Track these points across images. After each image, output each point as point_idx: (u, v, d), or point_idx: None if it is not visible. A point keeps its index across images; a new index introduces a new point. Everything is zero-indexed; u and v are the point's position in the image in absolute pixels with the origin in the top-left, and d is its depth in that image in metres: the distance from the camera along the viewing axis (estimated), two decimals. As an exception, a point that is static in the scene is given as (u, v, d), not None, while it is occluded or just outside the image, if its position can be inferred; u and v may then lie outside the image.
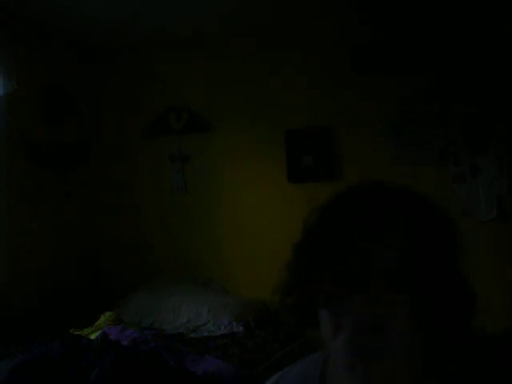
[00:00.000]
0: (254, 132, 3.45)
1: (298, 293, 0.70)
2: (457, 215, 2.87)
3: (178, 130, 3.67)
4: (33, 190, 3.31)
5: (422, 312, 0.61)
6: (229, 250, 3.49)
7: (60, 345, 2.06)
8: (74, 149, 3.69)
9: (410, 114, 3.04)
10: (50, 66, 3.49)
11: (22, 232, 3.21)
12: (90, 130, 3.84)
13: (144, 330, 2.73)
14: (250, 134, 3.46)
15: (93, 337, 2.53)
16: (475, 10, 2.86)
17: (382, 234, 0.62)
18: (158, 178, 3.74)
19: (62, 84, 3.59)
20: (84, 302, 3.36)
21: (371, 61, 3.12)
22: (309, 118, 3.29)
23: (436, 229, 0.66)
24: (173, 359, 2.11)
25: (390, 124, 3.08)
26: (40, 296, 3.21)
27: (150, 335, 2.51)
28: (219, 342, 2.69)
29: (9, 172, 3.10)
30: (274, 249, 2.96)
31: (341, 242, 0.63)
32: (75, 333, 2.69)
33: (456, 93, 2.91)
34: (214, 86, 3.57)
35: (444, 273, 0.64)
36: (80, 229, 3.73)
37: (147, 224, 3.74)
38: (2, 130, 3.10)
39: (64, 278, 3.48)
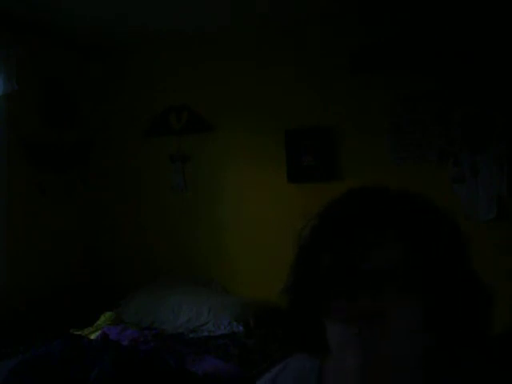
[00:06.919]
0: (253, 132, 3.45)
1: (305, 306, 0.69)
2: (456, 215, 2.86)
3: (177, 129, 3.67)
4: (33, 190, 3.31)
5: (432, 315, 0.61)
6: (229, 249, 3.49)
7: (60, 345, 2.06)
8: (74, 149, 3.69)
9: (410, 113, 3.03)
10: (50, 66, 3.49)
11: (22, 232, 3.21)
12: (90, 130, 3.84)
13: (144, 330, 2.74)
14: (250, 134, 3.45)
15: (93, 337, 2.53)
16: (475, 9, 2.86)
17: (386, 235, 0.62)
18: (158, 177, 3.74)
19: (62, 84, 3.59)
20: (84, 301, 3.36)
21: (371, 61, 3.11)
22: (309, 118, 3.29)
23: (440, 229, 0.66)
24: (173, 359, 2.11)
25: (389, 124, 3.08)
26: (40, 296, 3.21)
27: (149, 335, 2.51)
28: (219, 342, 2.69)
29: (9, 172, 3.10)
30: (274, 248, 2.96)
31: (346, 246, 0.62)
32: (75, 333, 2.69)
33: (456, 93, 2.91)
34: (213, 85, 3.56)
35: (453, 274, 0.64)
36: (80, 229, 3.73)
37: (147, 224, 3.74)
38: (2, 130, 3.10)
39: (64, 278, 3.48)
